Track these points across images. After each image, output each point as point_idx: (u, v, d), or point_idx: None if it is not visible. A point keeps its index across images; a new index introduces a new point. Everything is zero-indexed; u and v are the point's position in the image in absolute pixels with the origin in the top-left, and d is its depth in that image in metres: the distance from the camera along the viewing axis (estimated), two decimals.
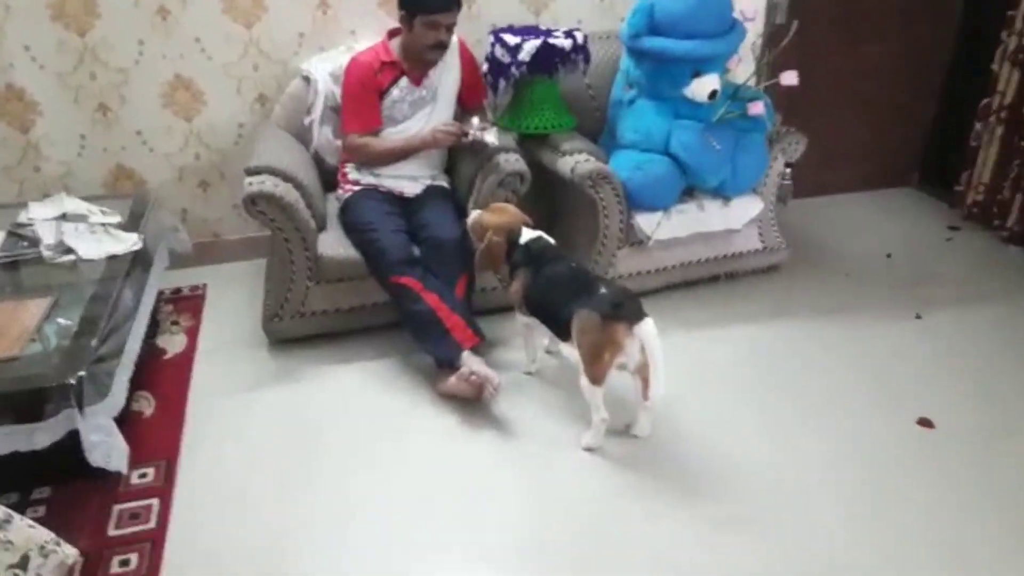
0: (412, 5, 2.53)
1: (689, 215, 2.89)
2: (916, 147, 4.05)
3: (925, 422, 2.35)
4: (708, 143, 2.77)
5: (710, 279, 3.13)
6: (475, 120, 2.65)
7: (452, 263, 2.57)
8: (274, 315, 2.67)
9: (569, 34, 2.84)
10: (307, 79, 2.96)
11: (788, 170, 2.96)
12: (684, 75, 2.74)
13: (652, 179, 2.75)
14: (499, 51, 2.82)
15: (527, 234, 2.36)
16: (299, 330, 2.71)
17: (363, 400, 2.49)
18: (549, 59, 2.75)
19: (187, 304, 3.04)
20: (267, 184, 2.48)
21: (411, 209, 2.72)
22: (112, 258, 2.36)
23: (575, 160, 2.75)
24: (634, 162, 2.77)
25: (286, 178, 2.58)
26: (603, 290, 2.14)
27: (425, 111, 2.73)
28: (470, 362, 2.35)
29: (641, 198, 2.78)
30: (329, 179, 2.93)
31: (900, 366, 2.64)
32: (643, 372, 2.14)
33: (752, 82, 2.98)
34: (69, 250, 2.36)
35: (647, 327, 2.04)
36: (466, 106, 2.84)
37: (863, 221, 3.74)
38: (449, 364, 2.40)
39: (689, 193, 2.91)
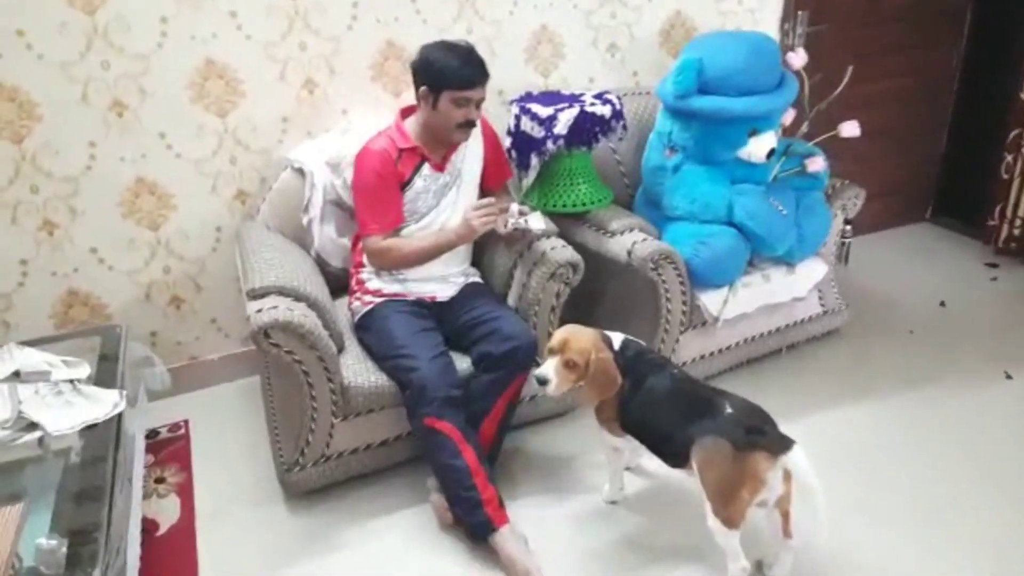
0: (436, 79, 2.13)
1: (755, 288, 2.56)
2: (929, 180, 3.88)
3: None
4: (774, 208, 2.45)
5: (772, 353, 2.80)
6: (514, 206, 2.25)
7: (515, 366, 2.16)
8: (293, 464, 2.17)
9: (602, 99, 2.49)
10: (300, 171, 2.50)
11: (848, 227, 2.68)
12: (741, 135, 2.43)
13: (718, 254, 2.41)
14: (527, 124, 2.44)
15: (615, 338, 1.96)
16: (324, 478, 2.21)
17: (410, 564, 2.03)
18: (588, 129, 2.39)
19: (170, 451, 2.49)
20: (280, 310, 2.01)
21: (448, 314, 2.29)
22: (90, 428, 1.83)
23: (631, 240, 2.38)
24: (695, 236, 2.42)
25: (298, 297, 2.11)
26: (728, 408, 1.76)
27: (450, 198, 2.31)
28: (506, 547, 1.95)
29: (707, 276, 2.43)
30: (335, 284, 2.46)
31: (1007, 442, 2.35)
32: (784, 505, 1.76)
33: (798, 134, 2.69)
34: (32, 424, 1.81)
35: (796, 457, 1.66)
36: (489, 187, 2.44)
37: (895, 265, 3.51)
38: (481, 536, 2.01)
39: (750, 263, 2.58)
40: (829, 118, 2.63)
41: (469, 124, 2.20)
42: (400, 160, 2.22)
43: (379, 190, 2.21)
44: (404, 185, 2.25)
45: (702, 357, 2.61)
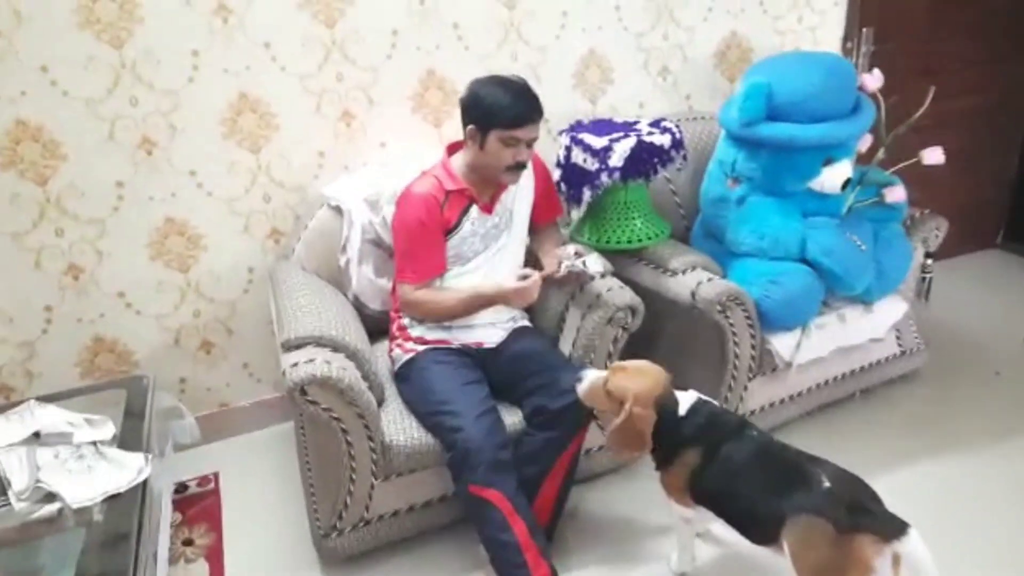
0: (484, 117, 1.96)
1: (830, 329, 2.34)
2: (1000, 203, 3.63)
3: None
4: (851, 243, 2.24)
5: (845, 398, 2.57)
6: (571, 247, 2.07)
7: (572, 424, 1.97)
8: (331, 529, 2.00)
9: (660, 127, 2.31)
10: (337, 208, 2.35)
11: (930, 261, 2.45)
12: (815, 165, 2.23)
13: (791, 294, 2.20)
14: (579, 155, 2.27)
15: (684, 400, 1.76)
16: (364, 543, 2.03)
17: None
18: (645, 160, 2.20)
19: (199, 509, 2.33)
20: (317, 363, 1.84)
21: (496, 362, 2.11)
22: (113, 499, 1.67)
23: (695, 280, 2.18)
24: (765, 275, 2.22)
25: (336, 347, 1.95)
26: (825, 481, 1.54)
27: (500, 242, 2.14)
28: None
29: (778, 318, 2.22)
30: (373, 326, 2.30)
31: None
32: None
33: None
34: (51, 496, 1.66)
35: (912, 544, 1.43)
36: (538, 224, 2.26)
37: (969, 296, 3.26)
38: None
39: (824, 302, 2.36)
40: (901, 143, 2.42)
41: (519, 166, 2.02)
42: (447, 204, 2.06)
43: (421, 238, 2.04)
44: (450, 231, 2.08)
45: (771, 405, 2.40)
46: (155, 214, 2.32)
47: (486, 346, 2.14)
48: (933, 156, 2.29)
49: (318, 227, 2.37)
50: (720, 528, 1.80)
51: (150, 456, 1.80)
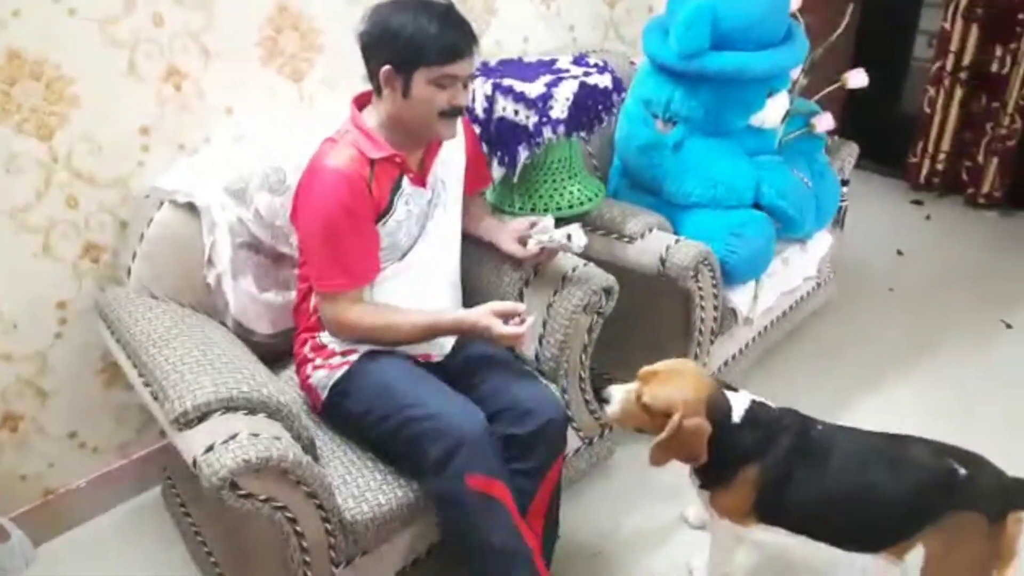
0: (405, 55, 1.45)
1: (777, 276, 2.18)
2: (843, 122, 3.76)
3: None
4: (800, 181, 2.07)
5: (780, 342, 2.47)
6: (547, 220, 1.67)
7: (548, 450, 1.60)
8: None
9: (590, 64, 1.93)
10: (187, 206, 1.70)
11: (846, 188, 2.38)
12: (760, 97, 2.00)
13: (755, 247, 1.99)
14: (508, 106, 1.82)
15: (737, 402, 1.46)
16: None
17: None
18: (590, 108, 1.82)
19: None
20: (243, 441, 1.28)
21: (447, 368, 1.66)
22: None
23: (662, 245, 1.88)
24: (725, 228, 1.97)
25: (252, 408, 1.39)
26: (959, 468, 1.35)
27: (434, 223, 1.66)
28: None
29: (742, 273, 2.01)
30: (260, 355, 1.70)
31: None
32: None
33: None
34: None
35: None
36: (468, 197, 1.80)
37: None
38: None
39: None
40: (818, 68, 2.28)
41: (456, 112, 1.54)
42: (374, 179, 1.53)
43: (349, 231, 1.50)
44: (383, 214, 1.56)
45: (725, 364, 2.21)
46: None
47: (435, 359, 1.69)
48: (857, 79, 2.17)
49: (161, 235, 1.70)
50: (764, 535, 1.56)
51: None
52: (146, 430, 1.99)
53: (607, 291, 1.74)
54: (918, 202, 3.39)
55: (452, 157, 1.69)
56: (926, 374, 2.35)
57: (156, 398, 1.41)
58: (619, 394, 1.46)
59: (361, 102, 1.60)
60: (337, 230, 1.49)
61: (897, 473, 1.37)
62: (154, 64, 1.72)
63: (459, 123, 1.60)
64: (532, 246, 1.67)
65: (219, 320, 1.72)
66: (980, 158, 3.19)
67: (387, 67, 1.48)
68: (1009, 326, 2.54)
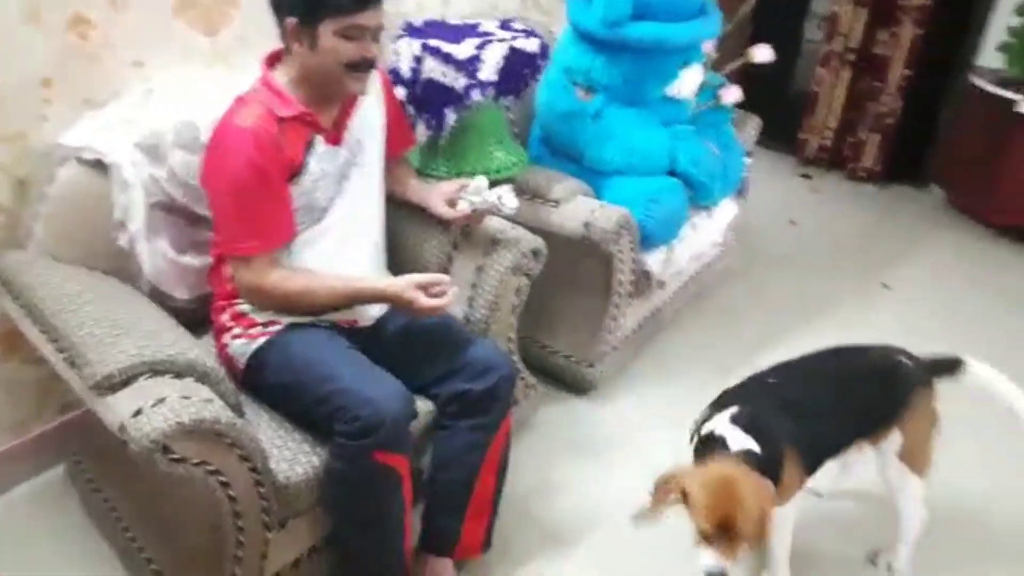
0: (310, 5, 1.42)
1: (687, 240, 2.29)
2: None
3: None
4: (710, 150, 2.18)
5: (686, 306, 2.60)
6: (480, 181, 1.68)
7: (502, 404, 1.63)
8: None
9: (511, 28, 1.95)
10: (96, 163, 1.60)
11: (748, 160, 2.52)
12: (674, 68, 2.08)
13: (671, 212, 2.09)
14: (436, 68, 1.81)
15: (731, 439, 1.38)
16: None
17: None
18: (518, 72, 1.84)
19: None
20: (173, 404, 1.24)
21: (378, 345, 1.65)
22: None
23: (587, 210, 1.93)
24: (644, 194, 2.05)
25: (178, 371, 1.35)
26: (904, 359, 1.56)
27: (353, 182, 1.64)
28: None
29: (658, 237, 2.10)
30: (182, 322, 1.65)
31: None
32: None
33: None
34: None
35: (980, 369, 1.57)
36: (391, 158, 1.79)
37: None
38: None
39: None
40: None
41: (367, 64, 1.51)
42: (284, 137, 1.49)
43: (258, 190, 1.45)
44: (295, 174, 1.52)
45: (640, 327, 2.32)
46: None
47: (360, 324, 1.68)
48: (762, 54, 2.29)
49: (66, 195, 1.59)
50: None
51: None
52: (45, 405, 1.87)
53: (536, 253, 1.78)
54: (807, 176, 3.62)
55: (370, 116, 1.66)
56: (817, 333, 2.52)
57: (73, 364, 1.34)
58: (727, 565, 1.27)
59: (272, 60, 1.55)
60: (247, 190, 1.45)
61: (870, 379, 1.53)
62: (58, 12, 1.60)
63: (374, 79, 1.59)
64: (463, 207, 1.68)
65: (134, 284, 1.65)
66: (862, 134, 3.44)
67: (293, 19, 1.44)
68: (888, 287, 2.78)
